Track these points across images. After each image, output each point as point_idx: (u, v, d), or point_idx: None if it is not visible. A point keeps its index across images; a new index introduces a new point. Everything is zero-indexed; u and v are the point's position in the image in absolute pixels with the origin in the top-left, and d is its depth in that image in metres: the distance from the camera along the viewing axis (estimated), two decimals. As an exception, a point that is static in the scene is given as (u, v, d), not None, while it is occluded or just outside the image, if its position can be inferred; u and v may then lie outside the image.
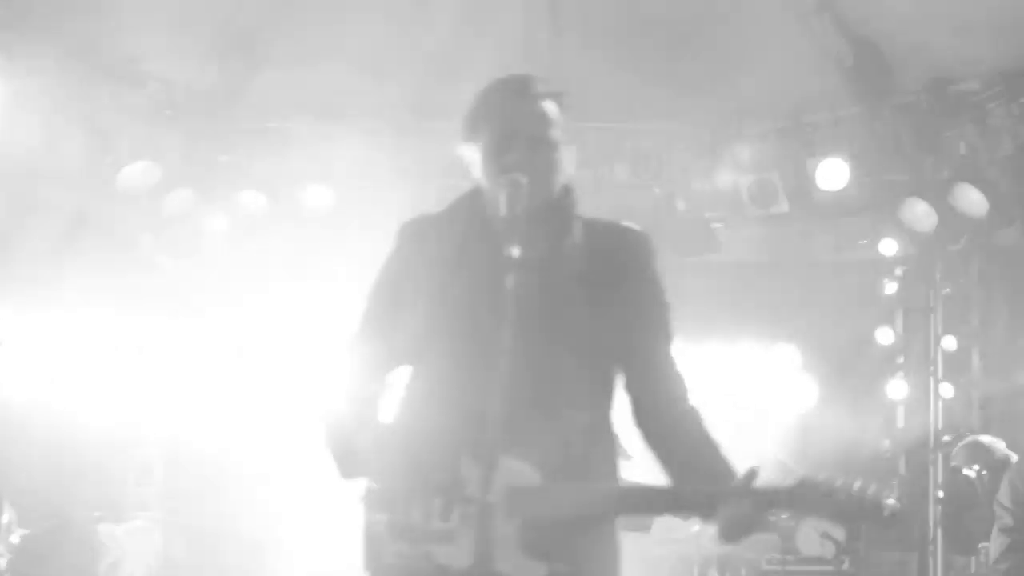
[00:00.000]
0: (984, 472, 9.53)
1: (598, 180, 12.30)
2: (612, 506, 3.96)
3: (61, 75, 11.00)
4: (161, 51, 11.25)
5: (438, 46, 10.97)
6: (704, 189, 12.12)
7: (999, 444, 9.92)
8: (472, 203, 4.18)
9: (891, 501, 3.67)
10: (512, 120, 4.03)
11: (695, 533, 10.53)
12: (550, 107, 4.10)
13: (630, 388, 4.16)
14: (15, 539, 8.89)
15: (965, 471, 9.50)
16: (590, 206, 11.87)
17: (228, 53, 11.41)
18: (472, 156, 4.13)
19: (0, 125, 10.59)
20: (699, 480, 3.92)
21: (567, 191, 4.18)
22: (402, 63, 11.09)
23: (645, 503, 3.97)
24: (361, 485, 4.03)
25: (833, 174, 11.32)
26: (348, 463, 4.09)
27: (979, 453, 9.85)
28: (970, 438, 10.38)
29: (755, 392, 13.02)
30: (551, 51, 11.41)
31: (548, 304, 3.96)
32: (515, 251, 3.68)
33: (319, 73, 11.21)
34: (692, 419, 4.11)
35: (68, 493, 11.22)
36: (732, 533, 3.80)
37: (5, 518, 8.49)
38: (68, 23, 10.75)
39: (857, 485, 3.68)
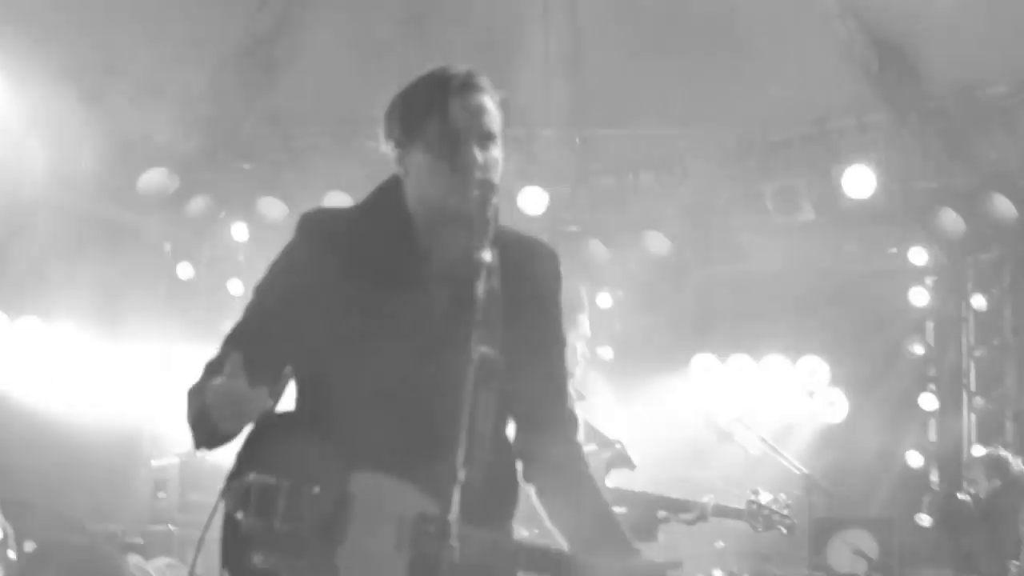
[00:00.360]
0: (998, 485, 9.32)
1: (622, 188, 12.16)
2: (508, 560, 3.69)
3: (79, 82, 10.96)
4: (180, 60, 11.20)
5: (458, 57, 10.85)
6: (729, 197, 11.92)
7: (1018, 460, 9.73)
8: (392, 201, 3.88)
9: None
10: (464, 116, 3.76)
11: (720, 549, 10.34)
12: (492, 101, 3.84)
13: (521, 433, 3.94)
14: (12, 554, 8.74)
15: (959, 495, 9.27)
16: (614, 215, 11.75)
17: (246, 61, 11.40)
18: (406, 154, 3.82)
19: (19, 132, 10.56)
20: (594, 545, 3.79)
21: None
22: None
23: (534, 563, 3.70)
24: (224, 477, 3.66)
25: (860, 181, 11.10)
26: (201, 423, 3.60)
27: (998, 467, 9.66)
28: (990, 451, 10.17)
29: (783, 406, 12.77)
30: (573, 59, 11.34)
31: (463, 318, 3.54)
32: (486, 255, 3.47)
33: (338, 82, 11.13)
34: (589, 484, 3.95)
35: (83, 503, 11.15)
36: None
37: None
38: (86, 32, 10.72)
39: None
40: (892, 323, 12.77)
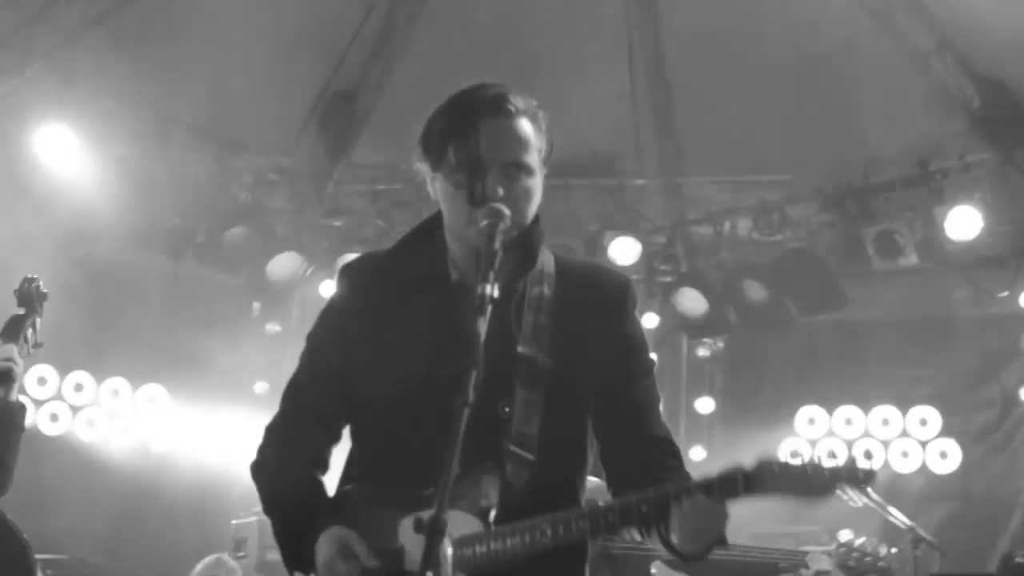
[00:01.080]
0: None
1: (719, 237, 11.86)
2: (554, 537, 3.43)
3: (161, 141, 10.94)
4: (263, 118, 11.14)
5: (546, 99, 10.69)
6: (829, 243, 11.53)
7: None
8: (429, 235, 3.74)
9: (866, 462, 3.34)
10: (486, 143, 3.51)
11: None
12: (526, 126, 3.60)
13: (601, 437, 3.74)
14: None
15: (1018, 559, 8.71)
16: (710, 263, 11.41)
17: (328, 117, 11.31)
18: (432, 181, 3.65)
19: (101, 191, 10.53)
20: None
21: (535, 221, 3.69)
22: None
23: (592, 525, 3.44)
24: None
25: (964, 223, 10.66)
26: (269, 508, 3.78)
27: None
28: None
29: (893, 458, 12.31)
30: (663, 107, 11.14)
31: (505, 346, 3.50)
32: (488, 289, 3.19)
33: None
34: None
35: (166, 562, 11.06)
36: (691, 536, 3.38)
37: None
38: (170, 89, 10.68)
39: (822, 456, 3.32)
40: (1004, 369, 12.24)
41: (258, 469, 3.81)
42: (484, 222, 3.40)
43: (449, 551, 3.39)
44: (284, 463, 3.77)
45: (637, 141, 11.39)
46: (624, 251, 11.55)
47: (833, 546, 6.97)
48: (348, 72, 11.14)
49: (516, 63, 10.55)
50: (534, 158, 3.59)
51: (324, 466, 3.82)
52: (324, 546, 3.49)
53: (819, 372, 12.56)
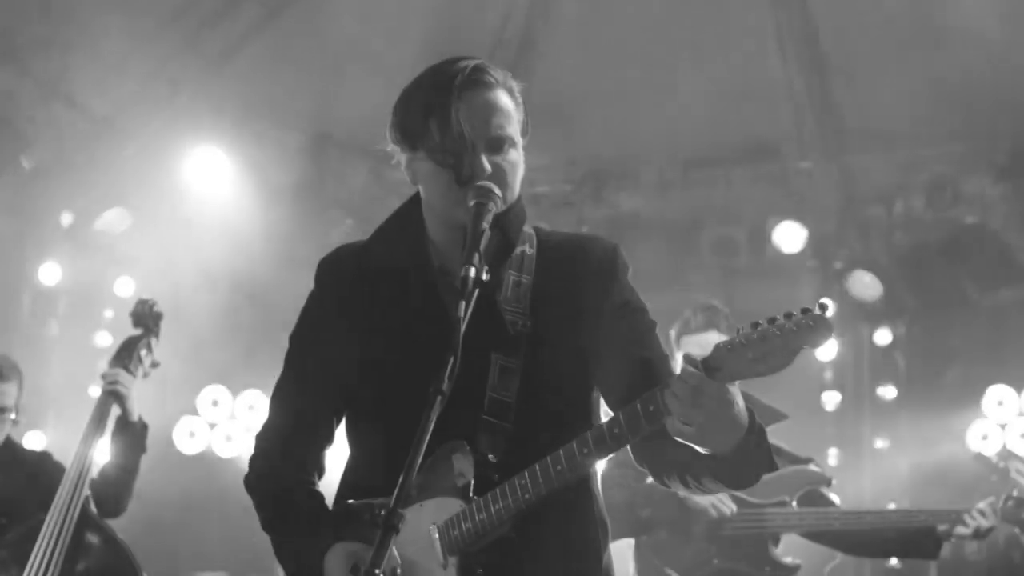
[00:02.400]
0: None
1: (891, 216, 11.48)
2: (535, 488, 3.25)
3: (316, 159, 10.97)
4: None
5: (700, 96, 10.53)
6: (1006, 216, 11.08)
7: None
8: (407, 221, 3.58)
9: (823, 312, 2.95)
10: (470, 117, 3.33)
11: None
12: (506, 97, 3.42)
13: (610, 403, 3.51)
14: None
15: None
16: (882, 241, 10.98)
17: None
18: (410, 162, 3.46)
19: (257, 214, 10.59)
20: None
21: (517, 198, 3.51)
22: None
23: (570, 466, 3.24)
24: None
25: None
26: (269, 526, 3.64)
27: None
28: None
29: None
30: (819, 86, 10.83)
31: (490, 324, 3.35)
32: (471, 272, 3.05)
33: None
34: None
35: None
36: (707, 430, 3.08)
37: None
38: (321, 107, 10.71)
39: (778, 318, 2.96)
40: None
41: (253, 484, 3.68)
42: (473, 201, 3.25)
43: (436, 537, 3.32)
44: (279, 475, 3.64)
45: (798, 124, 11.06)
46: (790, 237, 11.32)
47: (1001, 500, 6.61)
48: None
49: (662, 55, 10.38)
50: (516, 130, 3.43)
51: (320, 470, 3.70)
52: (336, 564, 3.34)
53: (1006, 351, 12.04)
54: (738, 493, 6.35)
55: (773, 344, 2.97)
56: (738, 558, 6.40)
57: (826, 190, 11.64)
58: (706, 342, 6.15)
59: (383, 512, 2.76)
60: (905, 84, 10.45)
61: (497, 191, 3.28)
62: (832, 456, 11.81)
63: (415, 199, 3.58)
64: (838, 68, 10.81)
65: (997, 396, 11.85)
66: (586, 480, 3.49)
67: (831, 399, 11.81)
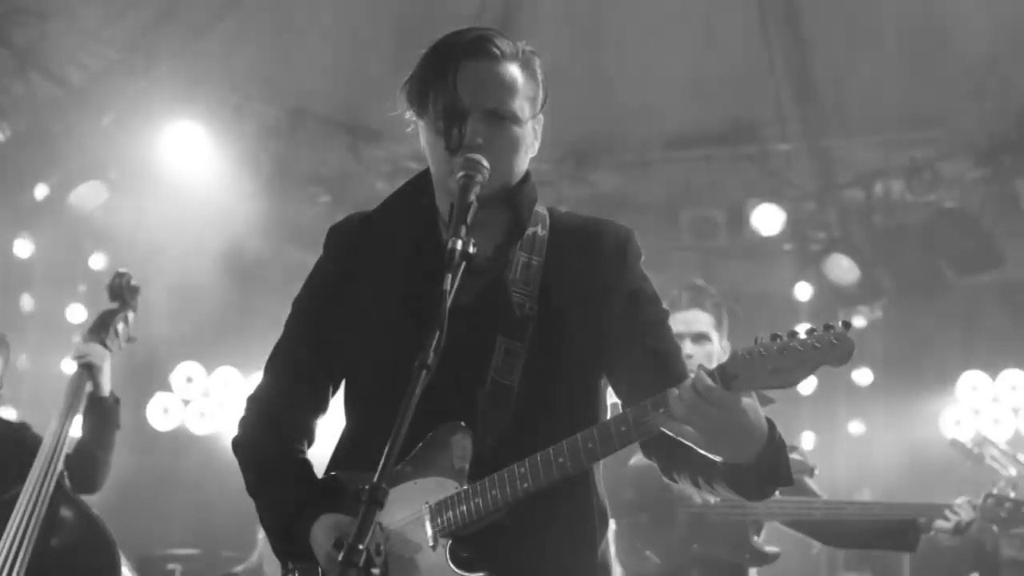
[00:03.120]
0: None
1: (870, 200, 11.47)
2: (535, 480, 3.21)
3: (294, 134, 10.91)
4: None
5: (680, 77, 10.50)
6: (984, 200, 11.07)
7: None
8: (420, 192, 3.51)
9: (846, 330, 2.96)
10: (465, 87, 3.26)
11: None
12: (513, 70, 3.34)
13: (619, 393, 3.49)
14: None
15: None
16: (860, 224, 11.00)
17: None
18: (421, 131, 3.40)
19: (233, 187, 10.52)
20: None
21: (526, 177, 3.46)
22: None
23: (573, 461, 3.19)
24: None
25: None
26: (255, 491, 3.59)
27: None
28: None
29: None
30: (801, 70, 10.81)
31: (497, 306, 3.31)
32: (458, 245, 3.00)
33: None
34: None
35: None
36: (712, 437, 3.05)
37: None
38: (300, 81, 10.65)
39: (802, 331, 2.96)
40: None
41: (241, 446, 3.63)
42: (461, 173, 3.18)
43: (427, 516, 3.28)
44: (269, 440, 3.59)
45: (778, 106, 11.04)
46: (768, 219, 11.32)
47: (981, 498, 6.62)
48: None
49: (643, 35, 10.35)
50: (521, 105, 3.34)
51: (310, 438, 3.65)
52: (324, 536, 3.29)
53: (981, 336, 12.10)
54: None
55: (793, 359, 2.96)
56: (718, 544, 6.36)
57: (805, 173, 11.63)
58: (692, 320, 6.14)
59: (367, 487, 2.72)
60: (885, 68, 10.46)
61: (485, 163, 3.19)
62: (807, 440, 11.82)
63: (426, 171, 3.52)
64: (819, 51, 10.79)
65: (971, 382, 11.90)
66: (586, 470, 3.41)
67: (806, 383, 11.78)
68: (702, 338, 6.12)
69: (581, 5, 10.34)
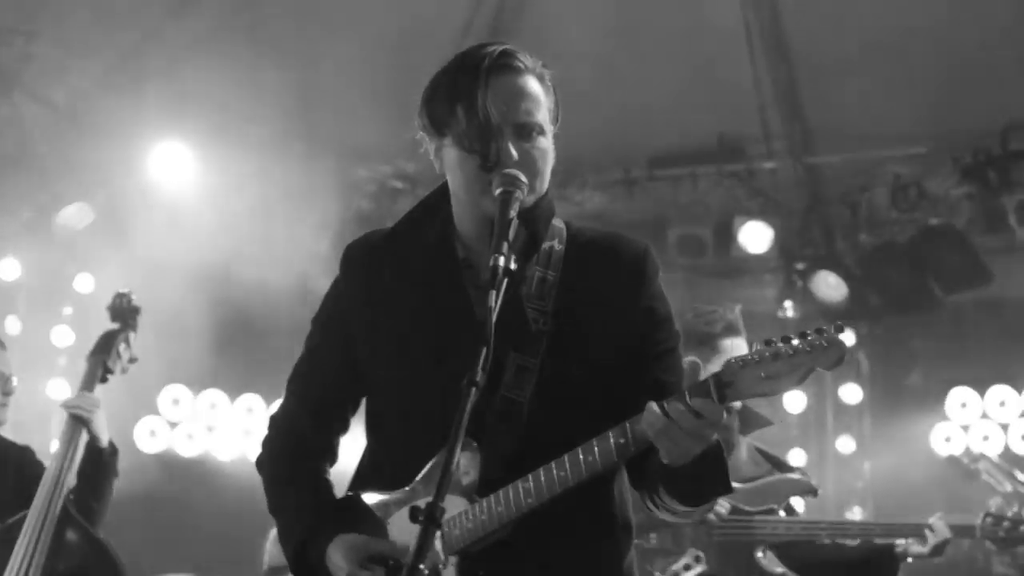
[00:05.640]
0: None
1: (856, 217, 11.49)
2: (538, 494, 3.22)
3: (279, 154, 10.89)
4: (381, 125, 11.02)
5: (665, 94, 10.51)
6: (970, 216, 11.10)
7: None
8: (435, 211, 3.52)
9: (838, 333, 2.99)
10: (497, 102, 3.27)
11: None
12: (535, 84, 3.36)
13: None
14: None
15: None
16: (846, 241, 10.98)
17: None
18: (438, 150, 3.41)
19: (219, 207, 10.50)
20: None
21: (544, 194, 3.46)
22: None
23: (574, 473, 3.21)
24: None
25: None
26: (274, 509, 3.63)
27: None
28: None
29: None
30: (787, 86, 10.83)
31: (510, 322, 3.23)
32: (500, 261, 3.03)
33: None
34: None
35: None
36: (677, 453, 3.09)
37: None
38: (285, 102, 10.62)
39: (793, 338, 2.99)
40: None
41: (264, 464, 3.68)
42: (499, 189, 3.20)
43: (437, 534, 3.23)
44: (289, 459, 3.63)
45: (763, 123, 11.06)
46: (755, 237, 11.33)
47: (979, 518, 6.64)
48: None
49: (627, 53, 10.35)
50: (546, 117, 3.37)
51: (332, 457, 3.68)
52: (342, 557, 3.31)
53: (969, 352, 12.07)
54: (731, 501, 6.36)
55: (785, 363, 2.97)
56: (726, 564, 6.38)
57: (791, 190, 11.64)
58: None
59: (424, 506, 2.72)
60: (871, 85, 10.47)
61: (524, 179, 3.23)
62: (796, 458, 11.81)
63: (442, 189, 3.52)
64: (805, 68, 10.82)
65: (960, 398, 11.88)
66: (606, 481, 3.41)
67: (795, 401, 11.80)
68: None
69: (565, 23, 10.34)
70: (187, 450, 12.16)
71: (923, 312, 11.55)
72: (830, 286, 11.42)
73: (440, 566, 3.27)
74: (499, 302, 2.96)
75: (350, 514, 3.42)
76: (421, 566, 2.69)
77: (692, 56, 10.33)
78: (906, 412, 11.77)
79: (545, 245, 3.46)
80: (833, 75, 10.66)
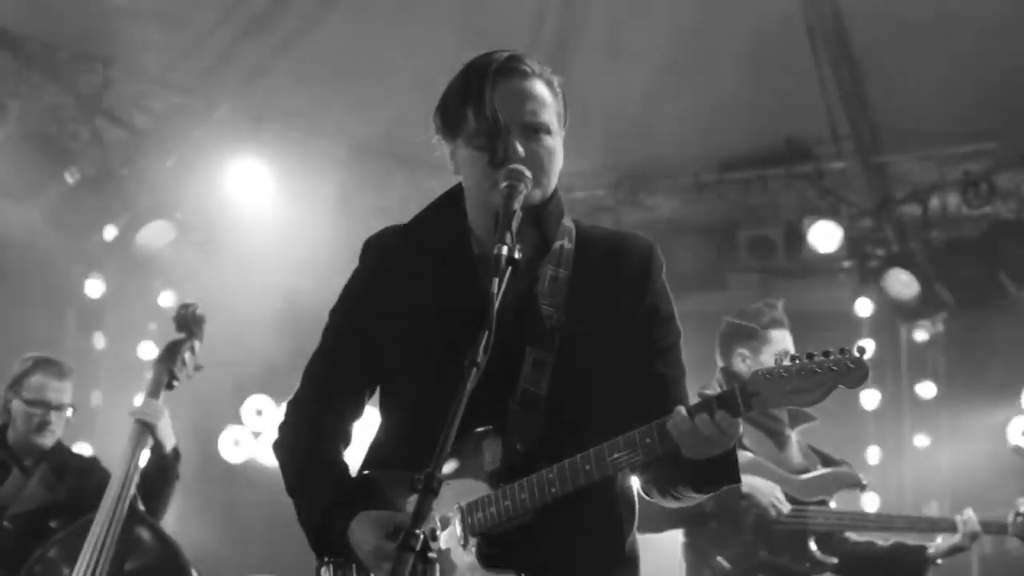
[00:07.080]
0: None
1: (926, 214, 11.49)
2: (562, 485, 3.39)
3: (355, 169, 11.05)
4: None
5: (733, 98, 10.54)
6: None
7: None
8: (450, 207, 3.70)
9: (861, 355, 3.18)
10: (504, 103, 3.46)
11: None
12: (542, 87, 3.54)
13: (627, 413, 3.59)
14: None
15: None
16: (917, 239, 10.94)
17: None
18: (452, 152, 3.60)
19: (297, 224, 10.68)
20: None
21: (554, 192, 3.62)
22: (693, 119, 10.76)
23: (599, 468, 3.38)
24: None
25: None
26: (293, 490, 3.74)
27: None
28: None
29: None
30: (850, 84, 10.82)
31: (526, 317, 3.50)
32: (503, 250, 3.18)
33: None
34: None
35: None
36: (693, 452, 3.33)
37: None
38: (359, 117, 10.77)
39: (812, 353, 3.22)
40: None
41: (280, 448, 3.80)
42: (505, 183, 3.38)
43: (457, 518, 3.45)
44: (307, 441, 3.75)
45: (831, 124, 11.07)
46: (825, 237, 11.36)
47: (1011, 516, 6.71)
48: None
49: (694, 57, 10.39)
50: (552, 118, 3.53)
51: (347, 440, 3.80)
52: (366, 532, 3.43)
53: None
54: (786, 491, 6.54)
55: (811, 380, 3.17)
56: (782, 552, 6.53)
57: (860, 189, 11.66)
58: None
59: (422, 476, 2.86)
60: (938, 81, 10.45)
61: (528, 174, 3.40)
62: (873, 455, 11.84)
63: (456, 189, 3.71)
64: (871, 67, 10.81)
65: (1038, 392, 11.85)
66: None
67: (870, 398, 11.83)
68: None
69: (633, 29, 10.42)
70: (270, 460, 12.33)
71: (996, 307, 11.52)
72: (902, 283, 11.42)
73: (461, 545, 3.43)
74: (502, 289, 3.10)
75: (367, 493, 3.58)
76: (418, 531, 2.81)
77: (758, 59, 10.34)
78: (982, 406, 11.73)
79: (556, 244, 3.62)
80: (899, 72, 10.64)
